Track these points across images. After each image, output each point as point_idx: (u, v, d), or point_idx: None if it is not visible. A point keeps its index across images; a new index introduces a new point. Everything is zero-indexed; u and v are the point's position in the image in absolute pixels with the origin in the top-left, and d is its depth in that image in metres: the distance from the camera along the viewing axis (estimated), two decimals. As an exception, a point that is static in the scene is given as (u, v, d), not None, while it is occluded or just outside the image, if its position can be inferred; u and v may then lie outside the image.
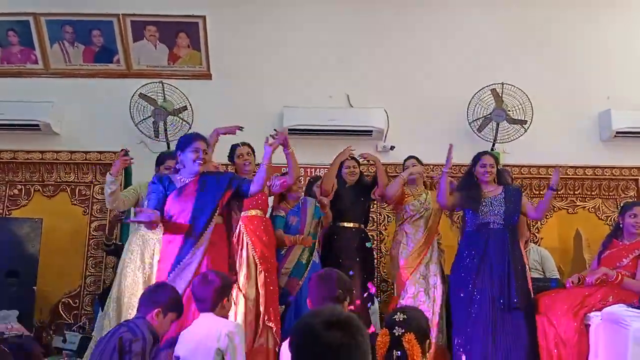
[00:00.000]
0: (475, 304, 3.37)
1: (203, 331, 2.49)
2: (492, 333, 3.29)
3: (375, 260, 4.73)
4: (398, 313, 2.09)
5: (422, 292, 3.70)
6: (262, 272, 3.47)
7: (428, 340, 2.06)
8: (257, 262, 3.49)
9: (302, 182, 4.21)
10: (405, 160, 4.08)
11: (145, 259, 3.48)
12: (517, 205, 3.53)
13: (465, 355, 3.31)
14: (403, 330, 2.01)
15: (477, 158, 3.67)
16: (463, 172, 4.76)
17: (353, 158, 4.08)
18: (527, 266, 3.55)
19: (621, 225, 3.52)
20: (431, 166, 4.64)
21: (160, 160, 3.73)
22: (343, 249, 3.80)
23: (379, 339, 2.04)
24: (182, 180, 2.98)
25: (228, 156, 3.72)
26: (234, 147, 3.67)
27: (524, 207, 3.57)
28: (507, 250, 3.42)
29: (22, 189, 4.91)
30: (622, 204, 3.79)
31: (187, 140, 2.99)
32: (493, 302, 3.33)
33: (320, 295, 2.37)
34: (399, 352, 1.99)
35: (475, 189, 3.57)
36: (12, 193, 4.90)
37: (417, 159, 4.04)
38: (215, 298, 2.53)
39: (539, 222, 4.86)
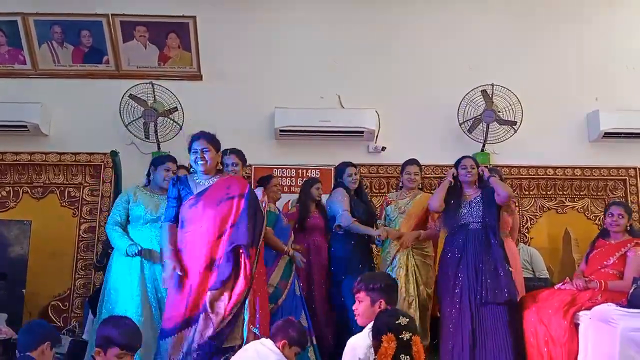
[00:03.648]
0: (457, 301, 3.41)
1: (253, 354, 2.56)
2: (474, 331, 3.34)
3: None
4: (400, 317, 2.03)
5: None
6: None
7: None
8: None
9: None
10: (405, 164, 4.01)
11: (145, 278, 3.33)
12: (493, 202, 3.56)
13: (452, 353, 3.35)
14: (410, 334, 1.95)
15: (458, 161, 3.74)
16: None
17: (353, 165, 4.02)
18: (508, 265, 3.54)
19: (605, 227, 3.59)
20: (422, 167, 4.66)
21: (160, 161, 3.60)
22: (354, 256, 3.77)
23: (385, 345, 1.96)
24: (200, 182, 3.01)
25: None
26: (222, 153, 3.60)
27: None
28: (484, 249, 3.47)
29: (10, 190, 4.85)
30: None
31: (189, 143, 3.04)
32: (474, 299, 3.38)
33: None
34: (407, 357, 1.92)
35: (456, 193, 3.64)
36: (0, 195, 4.84)
37: (418, 164, 3.99)
38: (279, 333, 2.62)
39: (528, 222, 4.91)
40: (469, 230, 3.53)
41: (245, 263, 2.83)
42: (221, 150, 3.13)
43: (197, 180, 3.03)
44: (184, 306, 2.80)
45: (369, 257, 3.96)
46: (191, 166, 3.08)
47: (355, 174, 3.98)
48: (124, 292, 3.31)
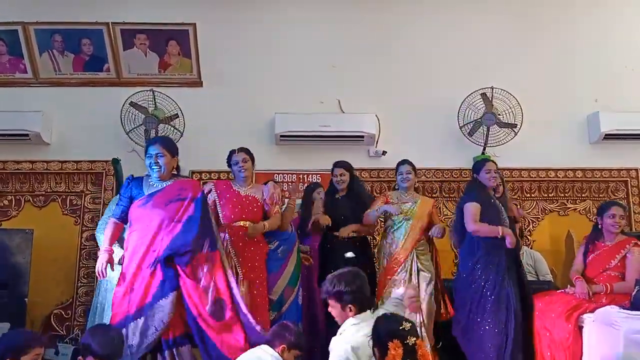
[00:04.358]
0: (502, 308, 3.36)
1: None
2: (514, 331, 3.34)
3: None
4: (403, 322, 2.02)
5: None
6: (246, 282, 3.36)
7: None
8: (240, 273, 3.34)
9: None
10: (398, 165, 4.02)
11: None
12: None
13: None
14: (415, 339, 1.95)
15: (481, 165, 3.68)
16: (454, 177, 4.85)
17: (341, 166, 4.00)
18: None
19: (600, 227, 3.55)
20: (422, 170, 4.67)
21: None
22: (337, 259, 3.72)
23: (392, 352, 1.93)
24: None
25: (227, 161, 3.70)
26: (231, 153, 3.65)
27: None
28: (518, 254, 3.52)
29: (12, 199, 4.85)
30: (599, 206, 3.75)
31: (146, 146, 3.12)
32: (517, 306, 3.37)
33: None
34: None
35: (489, 199, 3.58)
36: (2, 204, 4.84)
37: (410, 164, 3.98)
38: (276, 338, 2.66)
39: (530, 225, 4.90)
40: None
41: (184, 270, 2.87)
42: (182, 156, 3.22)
43: (151, 183, 3.08)
44: (127, 302, 2.87)
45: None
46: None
47: (341, 175, 3.94)
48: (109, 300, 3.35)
